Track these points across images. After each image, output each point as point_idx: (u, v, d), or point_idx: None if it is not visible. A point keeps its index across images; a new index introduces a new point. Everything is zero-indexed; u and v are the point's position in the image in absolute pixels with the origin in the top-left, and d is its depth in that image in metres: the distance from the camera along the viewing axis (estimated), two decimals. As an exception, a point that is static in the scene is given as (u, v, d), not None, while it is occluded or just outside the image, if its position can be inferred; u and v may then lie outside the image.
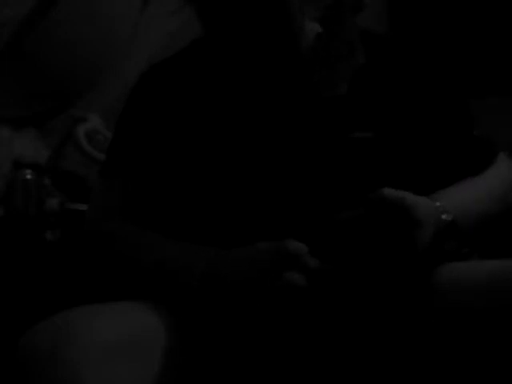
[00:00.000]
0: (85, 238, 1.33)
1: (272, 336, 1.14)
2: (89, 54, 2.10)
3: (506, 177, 1.31)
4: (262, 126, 1.25)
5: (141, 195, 1.30)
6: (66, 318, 1.09)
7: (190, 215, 1.26)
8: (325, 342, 1.14)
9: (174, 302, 1.18)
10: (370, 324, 1.15)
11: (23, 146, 2.03)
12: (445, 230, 1.13)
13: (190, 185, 1.25)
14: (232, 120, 1.25)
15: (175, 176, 1.27)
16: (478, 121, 1.31)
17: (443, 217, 1.13)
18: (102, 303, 1.13)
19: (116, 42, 2.13)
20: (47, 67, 2.09)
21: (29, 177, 1.80)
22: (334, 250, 1.13)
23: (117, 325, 1.09)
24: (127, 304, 1.15)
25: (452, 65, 1.37)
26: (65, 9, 2.07)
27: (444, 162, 1.26)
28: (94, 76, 2.13)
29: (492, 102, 2.03)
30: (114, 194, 1.31)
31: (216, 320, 1.16)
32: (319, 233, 1.14)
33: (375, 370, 1.14)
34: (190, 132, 1.27)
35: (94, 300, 1.16)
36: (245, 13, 1.22)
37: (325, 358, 1.14)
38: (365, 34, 1.28)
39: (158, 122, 1.29)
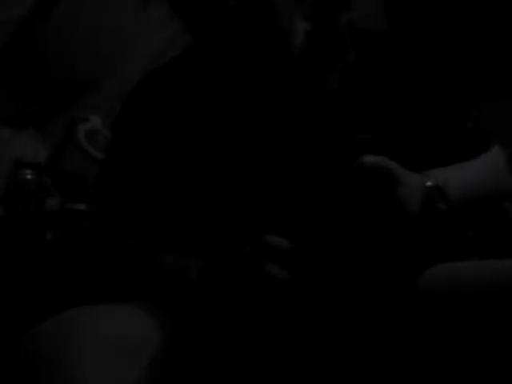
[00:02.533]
0: (85, 245, 1.33)
1: (264, 333, 1.14)
2: (89, 55, 2.10)
3: (493, 162, 1.31)
4: (259, 128, 1.24)
5: (136, 202, 1.30)
6: (67, 318, 1.09)
7: (186, 221, 1.26)
8: (309, 336, 1.14)
9: (173, 302, 1.18)
10: (358, 324, 1.15)
11: (23, 146, 2.03)
12: (432, 195, 1.13)
13: (185, 191, 1.25)
14: (228, 124, 1.25)
15: (171, 182, 1.27)
16: (480, 122, 1.31)
17: (428, 184, 1.14)
18: (103, 304, 1.14)
19: (116, 42, 2.13)
20: (47, 67, 2.09)
21: (29, 177, 1.80)
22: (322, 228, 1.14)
23: (117, 325, 1.09)
24: (127, 305, 1.15)
25: (451, 65, 1.38)
26: (65, 9, 2.07)
27: (438, 158, 1.27)
28: (94, 76, 2.13)
29: (493, 104, 2.04)
30: (110, 203, 1.31)
31: (212, 320, 1.16)
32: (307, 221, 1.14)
33: (371, 368, 1.14)
34: (186, 139, 1.27)
35: (94, 300, 1.16)
36: (232, 17, 1.22)
37: (313, 352, 1.15)
38: (363, 32, 1.29)
39: (155, 129, 1.29)
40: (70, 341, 1.03)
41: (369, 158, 1.09)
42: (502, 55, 2.17)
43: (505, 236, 1.48)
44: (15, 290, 1.69)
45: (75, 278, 1.64)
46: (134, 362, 1.07)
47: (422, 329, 1.13)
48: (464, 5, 2.18)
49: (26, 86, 2.09)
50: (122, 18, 2.14)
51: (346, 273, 1.16)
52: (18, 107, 2.10)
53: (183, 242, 1.24)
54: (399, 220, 1.10)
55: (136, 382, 1.06)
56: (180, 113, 1.28)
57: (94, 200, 1.38)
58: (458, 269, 1.16)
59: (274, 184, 1.22)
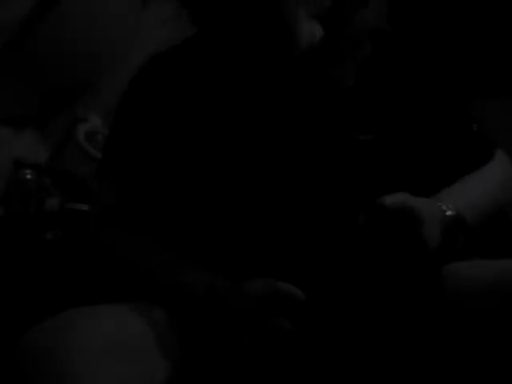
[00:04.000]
0: (90, 241, 1.33)
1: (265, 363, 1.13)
2: (89, 54, 2.10)
3: (503, 172, 1.31)
4: (262, 125, 1.24)
5: (137, 198, 1.29)
6: (66, 318, 1.09)
7: (187, 219, 1.25)
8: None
9: (174, 306, 1.17)
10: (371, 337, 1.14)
11: (23, 145, 2.03)
12: (452, 226, 1.12)
13: (185, 187, 1.25)
14: (231, 120, 1.25)
15: (171, 178, 1.26)
16: (480, 122, 1.31)
17: (448, 213, 1.12)
18: (102, 304, 1.13)
19: (116, 42, 2.13)
20: (47, 67, 2.09)
21: (29, 177, 1.80)
22: (340, 261, 1.12)
23: (116, 326, 1.09)
24: (127, 305, 1.15)
25: (452, 65, 1.37)
26: (65, 9, 2.07)
27: (444, 161, 1.26)
28: (94, 76, 2.12)
29: (493, 103, 2.03)
30: (111, 197, 1.30)
31: (215, 333, 1.15)
32: (322, 246, 1.13)
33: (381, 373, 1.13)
34: (187, 132, 1.26)
35: (94, 300, 1.16)
36: (238, 13, 1.21)
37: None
38: (371, 31, 1.28)
39: (156, 121, 1.29)
40: (68, 341, 1.03)
41: (388, 200, 1.07)
42: (502, 54, 2.17)
43: (505, 236, 1.48)
44: (15, 290, 1.69)
45: (75, 278, 1.64)
46: (133, 362, 1.07)
47: (430, 330, 1.12)
48: (464, 5, 2.18)
49: (26, 86, 2.09)
50: (121, 18, 2.14)
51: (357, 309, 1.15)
52: (18, 107, 2.10)
53: (185, 246, 1.24)
54: (420, 258, 1.08)
55: (134, 382, 1.06)
56: (181, 101, 1.28)
57: (96, 194, 1.37)
58: (465, 269, 1.15)
59: (277, 183, 1.21)
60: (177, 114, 1.27)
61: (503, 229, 1.46)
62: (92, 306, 1.12)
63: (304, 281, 1.12)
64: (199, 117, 1.26)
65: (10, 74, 2.09)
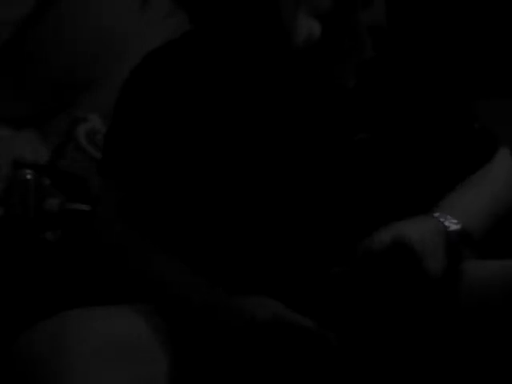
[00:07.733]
0: (90, 240, 1.33)
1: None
2: (89, 54, 2.10)
3: (508, 175, 1.30)
4: (259, 122, 1.24)
5: (138, 195, 1.29)
6: (64, 319, 1.09)
7: (186, 220, 1.25)
8: None
9: (172, 311, 1.17)
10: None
11: (23, 145, 2.03)
12: (456, 241, 1.10)
13: (184, 184, 1.25)
14: (228, 115, 1.25)
15: (170, 175, 1.26)
16: (480, 121, 1.31)
17: (451, 229, 1.10)
18: (101, 306, 1.13)
19: (116, 42, 2.13)
20: (47, 67, 2.09)
21: (29, 177, 1.80)
22: (338, 306, 1.10)
23: (113, 327, 1.09)
24: (125, 307, 1.15)
25: (452, 65, 1.37)
26: (65, 9, 2.07)
27: (444, 160, 1.26)
28: (94, 76, 2.12)
29: (493, 103, 2.03)
30: (112, 194, 1.30)
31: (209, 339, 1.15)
32: (317, 288, 1.12)
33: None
34: (185, 128, 1.26)
35: (93, 300, 1.16)
36: (236, 12, 1.21)
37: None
38: (372, 30, 1.28)
39: (154, 115, 1.29)
40: (66, 342, 1.03)
41: (377, 241, 1.04)
42: (502, 53, 2.17)
43: (505, 236, 1.47)
44: (15, 290, 1.69)
45: (75, 278, 1.64)
46: (130, 364, 1.07)
47: (447, 330, 1.11)
48: (464, 4, 2.18)
49: (26, 85, 2.09)
50: (121, 18, 2.14)
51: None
52: (18, 107, 2.10)
53: (184, 248, 1.23)
54: (424, 289, 1.06)
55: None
56: (179, 96, 1.27)
57: (98, 191, 1.38)
58: (482, 268, 1.15)
59: (275, 184, 1.21)
60: (175, 108, 1.27)
61: (502, 229, 1.46)
62: (89, 307, 1.12)
63: (300, 296, 1.11)
64: (197, 112, 1.26)
65: (9, 74, 2.09)
